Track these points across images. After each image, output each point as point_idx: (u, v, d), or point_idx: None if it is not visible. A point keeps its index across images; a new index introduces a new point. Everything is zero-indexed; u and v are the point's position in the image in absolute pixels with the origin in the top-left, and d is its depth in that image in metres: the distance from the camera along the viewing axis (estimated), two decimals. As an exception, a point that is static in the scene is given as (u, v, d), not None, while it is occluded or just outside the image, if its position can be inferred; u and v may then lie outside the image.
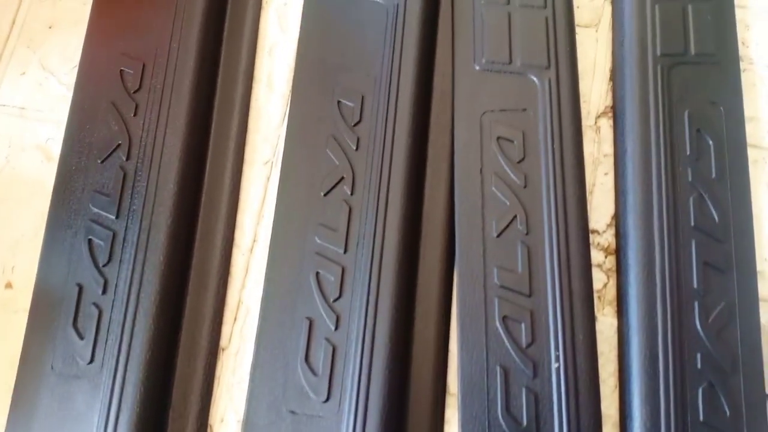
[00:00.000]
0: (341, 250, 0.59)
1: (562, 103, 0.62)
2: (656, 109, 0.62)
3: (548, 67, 0.63)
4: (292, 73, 0.67)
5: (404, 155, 0.61)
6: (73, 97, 0.65)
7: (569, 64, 0.63)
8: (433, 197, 0.62)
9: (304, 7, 0.68)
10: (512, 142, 0.61)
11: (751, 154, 0.63)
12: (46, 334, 0.58)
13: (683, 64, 0.63)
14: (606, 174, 0.64)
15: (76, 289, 0.59)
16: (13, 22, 0.70)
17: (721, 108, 0.62)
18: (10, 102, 0.67)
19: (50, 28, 0.70)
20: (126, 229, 0.60)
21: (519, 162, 0.61)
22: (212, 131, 0.65)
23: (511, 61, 0.64)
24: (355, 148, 0.62)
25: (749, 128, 0.63)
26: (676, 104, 0.62)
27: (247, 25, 0.69)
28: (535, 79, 0.63)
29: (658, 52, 0.63)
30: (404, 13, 0.65)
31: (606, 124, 0.65)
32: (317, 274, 0.58)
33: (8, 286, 0.62)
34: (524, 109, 0.62)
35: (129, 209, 0.60)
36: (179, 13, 0.65)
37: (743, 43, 0.67)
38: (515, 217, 0.59)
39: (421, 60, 0.64)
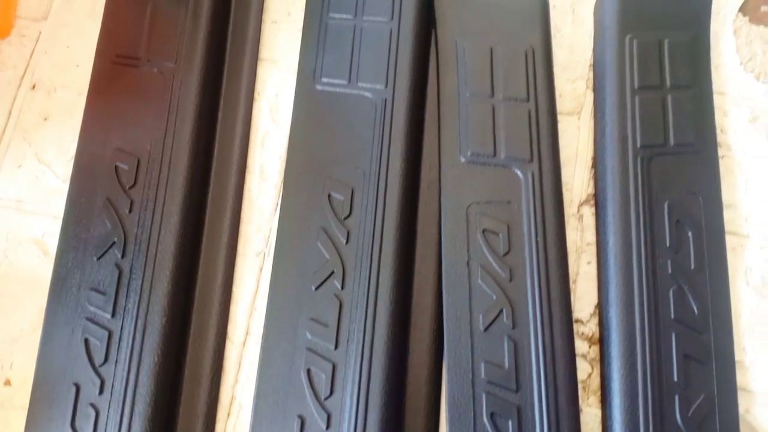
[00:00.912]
0: (332, 346, 0.62)
1: (545, 196, 0.65)
2: (636, 200, 0.65)
3: (531, 160, 0.66)
4: (283, 164, 0.70)
5: (393, 248, 0.64)
6: (69, 191, 0.68)
7: (551, 157, 0.67)
8: (422, 288, 0.65)
9: (295, 100, 0.72)
10: (497, 234, 0.64)
11: (730, 241, 0.66)
12: (42, 433, 0.61)
13: (663, 154, 0.67)
14: (589, 263, 0.67)
15: (74, 388, 0.61)
16: (9, 114, 0.73)
17: (700, 198, 0.66)
18: (7, 195, 0.70)
19: (45, 120, 0.73)
20: (122, 328, 0.62)
21: (504, 255, 0.64)
22: (206, 224, 0.68)
23: (495, 154, 0.67)
24: (345, 241, 0.65)
25: (727, 215, 0.67)
26: (656, 195, 0.66)
27: (240, 116, 0.72)
28: (518, 172, 0.66)
29: (638, 144, 0.67)
30: (392, 106, 0.68)
31: (588, 212, 0.69)
32: (308, 371, 0.61)
33: (7, 383, 0.65)
34: (508, 202, 0.65)
35: (124, 308, 0.63)
36: (173, 108, 0.68)
37: (721, 130, 0.70)
38: (501, 311, 0.62)
39: (409, 152, 0.67)
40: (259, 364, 0.62)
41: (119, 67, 0.72)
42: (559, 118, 0.71)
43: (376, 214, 0.65)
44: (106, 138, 0.69)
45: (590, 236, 0.68)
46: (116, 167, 0.68)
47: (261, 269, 0.67)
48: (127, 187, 0.67)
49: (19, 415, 0.63)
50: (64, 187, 0.69)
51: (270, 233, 0.69)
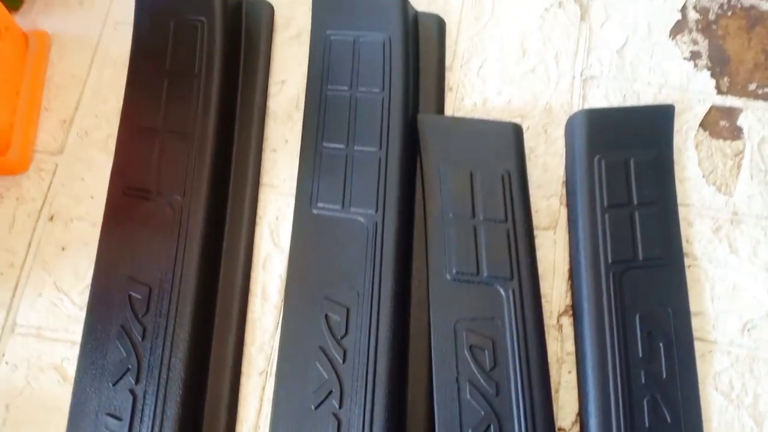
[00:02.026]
0: (333, 465, 0.68)
1: (525, 311, 0.73)
2: (610, 313, 0.73)
3: (511, 278, 0.74)
4: (284, 284, 0.78)
5: (387, 367, 0.71)
6: (86, 319, 0.76)
7: (530, 273, 0.74)
8: (416, 404, 0.72)
9: (293, 223, 0.80)
10: (483, 350, 0.71)
11: (698, 347, 0.73)
12: None
13: (633, 269, 0.75)
14: (570, 372, 0.74)
15: None
16: (29, 245, 0.82)
17: (669, 309, 0.73)
18: (28, 322, 0.78)
19: (63, 249, 0.81)
20: (136, 455, 0.69)
21: (491, 370, 0.71)
22: (213, 347, 0.75)
23: (478, 272, 0.75)
24: (342, 360, 0.72)
25: (695, 322, 0.74)
26: (628, 308, 0.73)
27: (243, 241, 0.80)
28: (500, 289, 0.73)
29: (610, 260, 0.75)
30: (382, 230, 0.77)
31: (567, 322, 0.76)
32: (312, 489, 0.68)
33: (28, 506, 0.71)
34: (492, 318, 0.73)
35: (139, 434, 0.70)
36: (181, 239, 0.77)
37: (687, 240, 0.78)
38: (489, 426, 0.68)
39: (399, 273, 0.75)
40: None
41: (131, 200, 0.81)
42: (536, 232, 0.79)
43: (371, 334, 0.73)
44: (120, 267, 0.78)
45: (570, 346, 0.75)
46: (129, 296, 0.76)
47: (264, 388, 0.74)
48: (140, 315, 0.74)
49: None
50: (80, 314, 0.77)
51: (272, 352, 0.76)
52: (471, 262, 0.76)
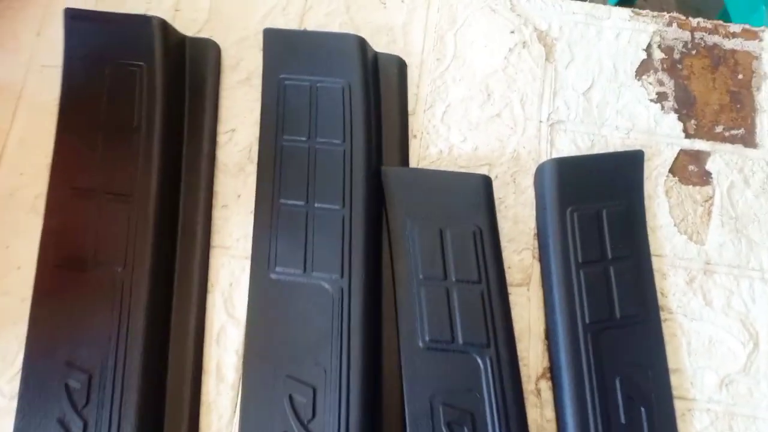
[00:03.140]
0: None
1: (504, 380, 0.70)
2: (590, 377, 0.71)
3: (488, 345, 0.71)
4: (241, 360, 0.73)
5: (359, 451, 0.67)
6: (17, 412, 0.68)
7: (507, 339, 0.72)
8: (390, 487, 0.69)
9: (249, 290, 0.75)
10: (462, 427, 0.68)
11: (678, 407, 0.73)
12: None
13: (611, 328, 0.74)
14: (551, 441, 0.72)
15: None
16: (-54, 326, 0.74)
17: (649, 371, 0.72)
18: (-54, 418, 0.70)
19: (-13, 330, 0.74)
20: None
21: (470, 447, 0.68)
22: (164, 437, 0.70)
23: (453, 340, 0.72)
24: (310, 447, 0.68)
25: (674, 380, 0.74)
26: (607, 371, 0.72)
27: (193, 313, 0.74)
28: (477, 357, 0.71)
29: (587, 320, 0.73)
30: (349, 296, 0.73)
31: (545, 387, 0.74)
32: None
33: None
34: (470, 389, 0.70)
35: None
36: (123, 317, 0.70)
37: (662, 293, 0.78)
38: None
39: (369, 344, 0.71)
40: None
41: (65, 271, 0.74)
42: (510, 289, 0.77)
43: (341, 415, 0.68)
44: (55, 351, 0.70)
45: (549, 412, 0.73)
46: (67, 384, 0.69)
47: (224, 478, 0.69)
48: (79, 407, 0.68)
49: None
50: (11, 406, 0.69)
51: (231, 437, 0.71)
52: (445, 328, 0.73)
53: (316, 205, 0.77)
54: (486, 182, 0.78)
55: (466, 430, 0.68)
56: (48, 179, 0.77)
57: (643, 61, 0.90)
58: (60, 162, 0.78)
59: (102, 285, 0.72)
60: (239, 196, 0.81)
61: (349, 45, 0.83)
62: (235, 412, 0.71)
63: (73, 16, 0.83)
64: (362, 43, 0.83)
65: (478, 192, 0.78)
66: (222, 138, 0.82)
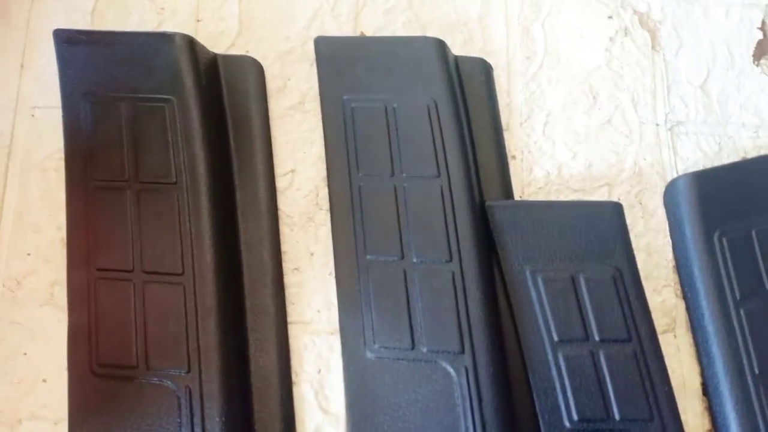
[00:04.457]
0: None
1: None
2: (769, 443, 0.61)
3: (651, 419, 0.60)
4: (348, 468, 0.60)
5: None
6: None
7: (670, 409, 0.61)
8: None
9: (345, 377, 0.61)
10: None
11: None
12: None
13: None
14: None
15: None
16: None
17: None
18: None
19: None
20: None
21: None
22: None
23: (608, 416, 0.60)
24: None
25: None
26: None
27: (278, 415, 0.60)
28: (640, 435, 0.60)
29: (757, 370, 0.62)
30: (476, 377, 0.59)
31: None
32: None
33: None
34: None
35: None
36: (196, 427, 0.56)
37: None
38: None
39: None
40: None
41: (106, 381, 0.58)
42: (655, 339, 0.65)
43: None
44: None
45: (723, 486, 0.63)
46: None
47: None
48: None
49: None
50: None
51: None
52: (597, 403, 0.61)
53: (414, 260, 0.63)
54: (617, 211, 0.65)
55: None
56: (66, 259, 0.61)
57: (759, 42, 0.78)
58: (77, 236, 0.62)
59: (160, 394, 0.58)
60: (312, 254, 0.66)
61: (428, 51, 0.68)
62: None
63: (66, 40, 0.65)
64: (442, 47, 0.68)
65: (610, 224, 0.65)
66: (281, 182, 0.67)
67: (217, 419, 0.57)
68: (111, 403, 0.58)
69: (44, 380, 0.60)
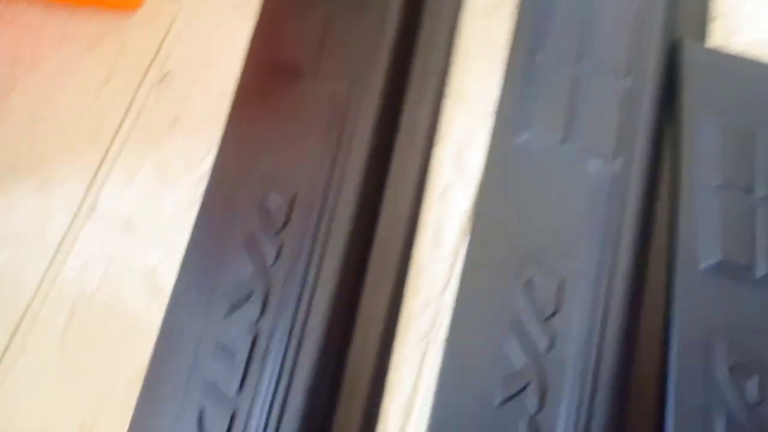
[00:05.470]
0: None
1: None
2: None
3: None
4: (466, 228, 0.61)
5: (613, 370, 0.53)
6: (197, 220, 0.59)
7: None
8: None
9: (488, 152, 0.63)
10: (749, 376, 0.54)
11: None
12: None
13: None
14: None
15: (175, 476, 0.52)
16: (127, 112, 0.65)
17: None
18: (113, 211, 0.62)
19: (173, 124, 0.65)
20: (250, 409, 0.52)
21: (757, 405, 0.53)
22: (364, 291, 0.59)
23: (751, 268, 0.57)
24: (546, 348, 0.55)
25: None
26: None
27: (417, 160, 0.63)
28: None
29: None
30: (623, 187, 0.59)
31: None
32: None
33: (84, 449, 0.55)
34: (766, 330, 0.56)
35: (256, 384, 0.53)
36: (344, 140, 0.60)
37: None
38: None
39: (640, 248, 0.58)
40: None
41: (276, 78, 0.64)
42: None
43: (594, 320, 0.55)
44: (253, 161, 0.61)
45: None
46: (263, 200, 0.59)
47: (424, 358, 0.58)
48: (274, 229, 0.58)
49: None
50: (188, 213, 0.60)
51: (439, 314, 0.59)
52: (742, 252, 0.58)
53: (586, 67, 0.65)
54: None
55: (753, 381, 0.54)
56: None
57: None
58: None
59: (321, 99, 0.62)
60: (487, 43, 0.69)
61: None
62: (448, 282, 0.60)
63: None
64: None
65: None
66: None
67: (367, 133, 0.61)
68: (276, 96, 0.64)
69: (220, 63, 0.67)
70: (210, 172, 0.61)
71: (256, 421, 0.52)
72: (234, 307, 0.56)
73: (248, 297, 0.56)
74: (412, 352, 0.58)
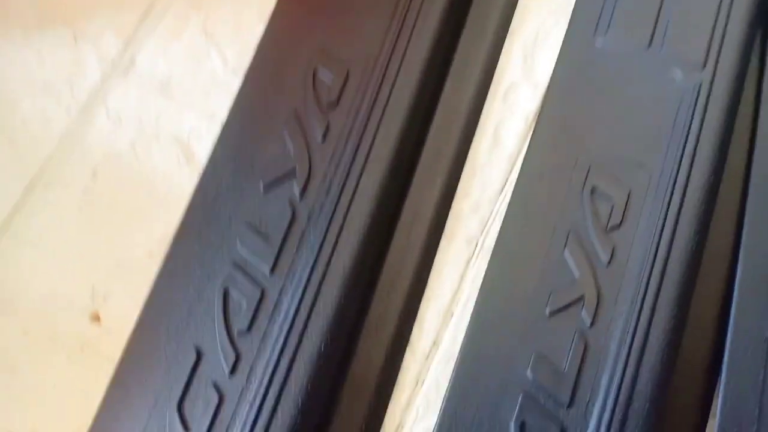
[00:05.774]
0: (567, 398, 0.48)
1: None
2: None
3: None
4: (528, 131, 0.57)
5: (677, 287, 0.49)
6: (241, 88, 0.55)
7: None
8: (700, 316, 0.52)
9: (560, 53, 0.58)
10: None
11: None
12: (135, 414, 0.48)
13: None
14: None
15: (193, 355, 0.49)
16: (177, -34, 0.61)
17: None
18: (151, 70, 0.58)
19: (225, -15, 0.60)
20: (281, 293, 0.49)
21: None
22: (412, 185, 0.55)
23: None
24: (607, 259, 0.51)
25: None
26: None
27: (482, 56, 0.59)
28: None
29: None
30: (706, 99, 0.54)
31: None
32: (523, 423, 0.48)
33: (95, 318, 0.52)
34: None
35: (290, 266, 0.50)
36: (409, 17, 0.55)
37: None
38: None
39: (718, 165, 0.53)
40: (447, 393, 0.49)
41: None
42: None
43: (662, 233, 0.51)
44: (307, 31, 0.56)
45: None
46: (315, 73, 0.55)
47: (469, 263, 0.54)
48: (325, 105, 0.54)
49: (102, 367, 0.50)
50: (232, 81, 0.56)
51: (491, 218, 0.55)
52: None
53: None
54: None
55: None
56: None
57: None
58: None
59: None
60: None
61: None
62: (504, 188, 0.56)
63: None
64: None
65: None
66: None
67: (433, 14, 0.56)
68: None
69: None
70: (261, 37, 0.57)
71: (286, 306, 0.49)
72: (273, 184, 0.52)
73: (289, 175, 0.52)
74: (457, 255, 0.54)
